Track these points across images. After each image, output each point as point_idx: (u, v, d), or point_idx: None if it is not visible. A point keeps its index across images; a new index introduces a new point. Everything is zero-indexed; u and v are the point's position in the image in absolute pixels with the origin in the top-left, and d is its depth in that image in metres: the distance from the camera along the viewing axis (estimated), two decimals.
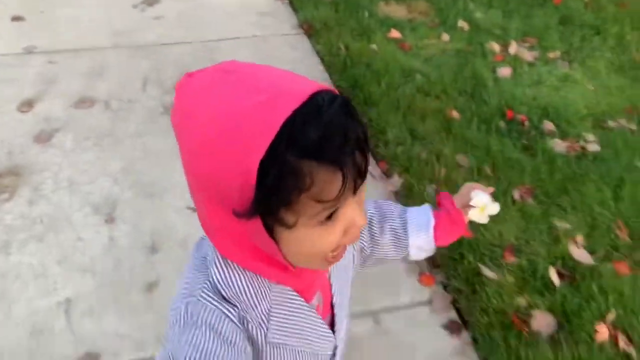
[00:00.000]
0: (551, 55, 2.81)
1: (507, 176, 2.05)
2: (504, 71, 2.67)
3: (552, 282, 1.65)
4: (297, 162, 0.52)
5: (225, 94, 0.55)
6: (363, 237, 0.84)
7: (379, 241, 0.85)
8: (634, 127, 2.38)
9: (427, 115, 2.36)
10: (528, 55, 2.79)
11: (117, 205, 1.91)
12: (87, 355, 1.48)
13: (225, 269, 0.64)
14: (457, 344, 1.57)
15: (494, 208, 0.82)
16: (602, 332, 1.51)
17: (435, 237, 0.84)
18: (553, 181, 2.05)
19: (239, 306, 0.64)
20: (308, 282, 0.70)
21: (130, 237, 1.81)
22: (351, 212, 0.59)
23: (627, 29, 3.02)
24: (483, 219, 0.83)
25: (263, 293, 0.66)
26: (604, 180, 2.06)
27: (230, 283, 0.64)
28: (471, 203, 0.82)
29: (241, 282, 0.65)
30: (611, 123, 2.39)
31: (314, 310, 0.72)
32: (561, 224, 1.86)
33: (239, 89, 0.55)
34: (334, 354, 0.79)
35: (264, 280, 0.66)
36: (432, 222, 0.84)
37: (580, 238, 1.81)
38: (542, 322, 1.56)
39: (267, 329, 0.67)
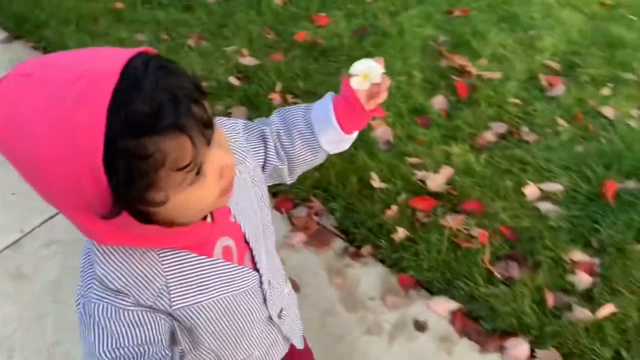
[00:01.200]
0: None
1: (179, 33, 2.51)
2: None
3: (233, 85, 2.22)
4: (138, 144, 0.49)
5: (37, 102, 0.50)
6: (271, 155, 0.81)
7: (293, 152, 0.82)
8: None
9: (98, 17, 2.64)
10: None
11: None
12: None
13: (107, 262, 0.63)
14: None
15: (376, 73, 0.78)
16: (275, 97, 2.15)
17: (343, 126, 0.80)
18: (213, 23, 2.57)
19: (130, 293, 0.63)
20: (200, 237, 0.68)
21: None
22: (215, 159, 0.57)
23: None
24: (365, 85, 0.78)
25: (153, 269, 0.64)
26: (250, 6, 2.65)
27: (115, 274, 0.63)
28: (350, 72, 0.78)
29: (127, 268, 0.63)
30: None
31: (217, 259, 0.70)
32: (229, 48, 2.42)
33: (48, 92, 0.50)
34: (262, 282, 0.78)
35: (151, 256, 0.64)
36: (332, 113, 0.79)
37: (245, 50, 2.40)
38: (238, 113, 2.13)
39: (169, 300, 0.66)
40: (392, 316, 1.52)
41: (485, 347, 1.46)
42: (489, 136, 1.97)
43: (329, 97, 0.82)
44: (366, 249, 1.68)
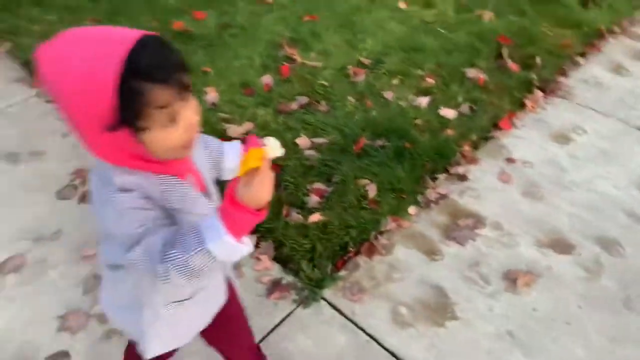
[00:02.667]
0: None
1: (79, 17, 3.08)
2: None
3: None
4: (139, 85, 0.76)
5: (79, 49, 0.77)
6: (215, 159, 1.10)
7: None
8: None
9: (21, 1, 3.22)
10: None
11: None
12: None
13: (122, 174, 0.87)
14: None
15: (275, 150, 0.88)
16: None
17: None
18: (111, 11, 3.15)
19: (140, 190, 0.87)
20: (178, 169, 0.93)
21: None
22: (186, 116, 0.84)
23: None
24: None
25: (152, 184, 0.90)
26: (147, 1, 3.23)
27: (129, 181, 0.87)
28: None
29: (135, 179, 0.88)
30: None
31: (190, 185, 0.96)
32: None
33: (88, 45, 0.78)
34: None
35: (148, 176, 0.89)
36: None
37: None
38: None
39: (163, 201, 0.91)
40: None
41: None
42: (293, 105, 2.52)
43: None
44: None
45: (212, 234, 0.84)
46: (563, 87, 2.65)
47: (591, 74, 2.75)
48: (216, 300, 1.18)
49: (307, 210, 2.03)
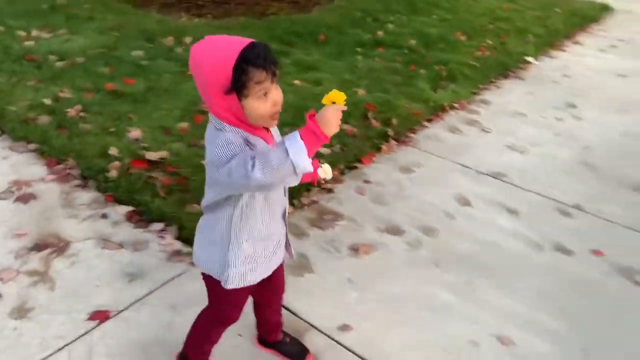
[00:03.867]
0: None
1: None
2: None
3: None
4: (247, 67, 1.22)
5: (215, 47, 1.26)
6: None
7: None
8: None
9: None
10: None
11: None
12: None
13: (229, 128, 1.29)
14: None
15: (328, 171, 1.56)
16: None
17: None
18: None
19: (239, 134, 1.28)
20: (265, 135, 1.36)
21: None
22: (274, 94, 1.29)
23: None
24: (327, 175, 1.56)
25: (247, 138, 1.30)
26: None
27: (231, 128, 1.29)
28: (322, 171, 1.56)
29: (237, 131, 1.29)
30: None
31: (271, 146, 1.36)
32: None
33: (220, 43, 1.26)
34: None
35: (246, 134, 1.30)
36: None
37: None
38: None
39: (251, 147, 1.29)
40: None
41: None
42: (203, 141, 3.17)
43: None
44: None
45: (290, 139, 1.20)
46: (411, 139, 3.50)
47: (433, 132, 3.64)
48: (278, 256, 1.56)
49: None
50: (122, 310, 2.02)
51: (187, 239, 2.41)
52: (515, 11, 6.54)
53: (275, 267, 1.56)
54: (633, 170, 3.27)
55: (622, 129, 3.82)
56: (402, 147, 3.41)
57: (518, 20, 6.13)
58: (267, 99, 1.27)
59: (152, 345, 1.89)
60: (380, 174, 3.09)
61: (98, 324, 1.95)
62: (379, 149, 3.32)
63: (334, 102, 1.21)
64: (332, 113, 1.19)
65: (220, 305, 1.59)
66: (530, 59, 5.07)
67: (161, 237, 2.42)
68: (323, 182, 1.46)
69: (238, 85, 1.23)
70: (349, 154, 3.21)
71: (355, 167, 3.13)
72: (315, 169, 1.53)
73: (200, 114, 3.47)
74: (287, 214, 1.53)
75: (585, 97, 4.31)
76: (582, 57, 5.31)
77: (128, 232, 2.45)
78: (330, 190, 2.88)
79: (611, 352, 2.01)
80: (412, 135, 3.56)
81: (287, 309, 2.06)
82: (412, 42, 5.15)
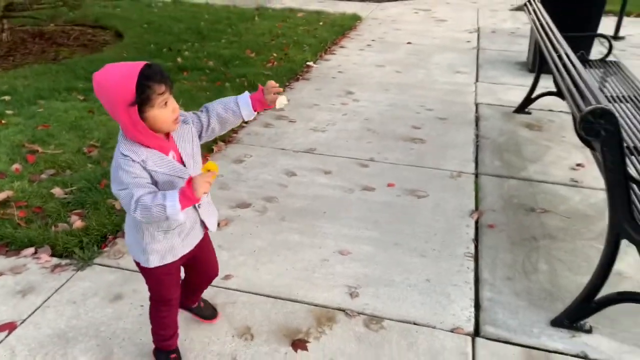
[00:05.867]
0: None
1: None
2: None
3: None
4: (148, 82, 1.44)
5: (116, 70, 1.45)
6: (196, 126, 1.71)
7: (226, 118, 1.75)
8: None
9: None
10: None
11: None
12: None
13: (126, 145, 1.52)
14: None
15: (283, 101, 1.74)
16: None
17: (254, 108, 1.73)
18: None
19: (133, 157, 1.50)
20: (163, 146, 1.57)
21: None
22: (171, 103, 1.53)
23: None
24: (282, 104, 1.74)
25: (142, 153, 1.52)
26: None
27: (130, 150, 1.51)
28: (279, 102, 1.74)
29: (135, 149, 1.51)
30: None
31: (170, 157, 1.59)
32: None
33: (119, 68, 1.46)
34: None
35: (141, 149, 1.52)
36: (250, 103, 1.72)
37: None
38: None
39: (147, 165, 1.52)
40: None
41: None
42: (42, 176, 3.32)
43: (247, 94, 1.76)
44: None
45: (171, 198, 1.49)
46: (235, 138, 4.12)
47: (252, 129, 4.31)
48: (194, 235, 1.79)
49: (70, 224, 2.83)
50: (26, 318, 2.22)
51: (61, 254, 2.64)
52: (289, 28, 7.65)
53: (193, 244, 1.81)
54: (400, 128, 4.38)
55: (387, 102, 4.99)
56: (230, 145, 4.00)
57: (293, 35, 7.21)
58: (167, 107, 1.53)
59: (69, 331, 2.16)
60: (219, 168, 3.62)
61: (9, 333, 2.13)
62: (211, 150, 3.86)
63: (208, 170, 1.55)
64: (202, 179, 1.51)
65: (154, 286, 1.85)
66: (310, 63, 6.11)
67: (37, 258, 2.60)
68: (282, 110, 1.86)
69: (143, 98, 1.47)
70: None
71: None
72: (262, 100, 1.76)
73: (31, 153, 3.57)
74: (200, 201, 1.74)
75: (358, 85, 5.45)
76: (348, 56, 6.56)
77: (2, 263, 2.57)
78: None
79: (410, 239, 2.88)
80: (235, 134, 4.16)
81: None
82: (211, 63, 5.79)
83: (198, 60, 5.89)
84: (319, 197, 3.29)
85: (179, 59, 5.89)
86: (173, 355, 2.00)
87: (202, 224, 1.82)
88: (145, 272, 1.78)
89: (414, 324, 2.24)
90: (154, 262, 1.72)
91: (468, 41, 7.25)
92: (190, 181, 1.51)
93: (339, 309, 2.32)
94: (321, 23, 8.02)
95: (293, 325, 2.22)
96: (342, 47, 7.02)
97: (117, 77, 1.45)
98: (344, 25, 8.02)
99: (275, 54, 6.25)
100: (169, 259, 1.75)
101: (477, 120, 4.55)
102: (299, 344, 2.12)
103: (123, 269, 2.55)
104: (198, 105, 4.81)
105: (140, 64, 1.47)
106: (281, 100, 1.75)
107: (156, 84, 1.47)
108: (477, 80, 5.64)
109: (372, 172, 3.63)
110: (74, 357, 2.05)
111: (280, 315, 2.27)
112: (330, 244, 2.81)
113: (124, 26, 7.42)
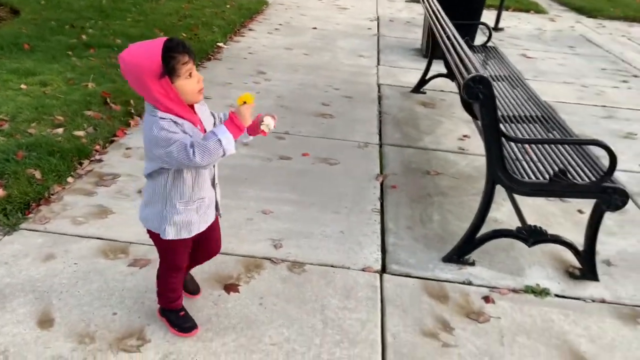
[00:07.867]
0: None
1: None
2: None
3: None
4: (172, 54, 1.52)
5: (140, 47, 1.52)
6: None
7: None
8: None
9: None
10: None
11: None
12: None
13: (161, 114, 1.56)
14: None
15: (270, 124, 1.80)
16: None
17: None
18: None
19: (174, 119, 1.57)
20: (193, 117, 1.64)
21: None
22: (196, 74, 1.59)
23: None
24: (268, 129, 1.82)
25: (179, 120, 1.58)
26: None
27: (165, 115, 1.56)
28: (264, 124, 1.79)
29: (168, 117, 1.57)
30: None
31: (198, 129, 1.67)
32: None
33: (144, 45, 1.53)
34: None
35: (176, 118, 1.58)
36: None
37: None
38: None
39: (185, 129, 1.60)
40: None
41: None
42: None
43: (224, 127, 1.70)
44: None
45: (220, 130, 1.61)
46: None
47: None
48: (210, 213, 1.89)
49: None
50: None
51: None
52: (196, 9, 7.67)
53: (208, 222, 1.90)
54: (309, 104, 4.70)
55: (297, 81, 5.29)
56: None
57: (201, 17, 7.26)
58: (192, 77, 1.61)
59: (4, 288, 2.24)
60: (137, 140, 3.71)
61: None
62: (128, 124, 3.91)
63: (245, 102, 1.65)
64: (245, 110, 1.66)
65: (169, 255, 1.93)
66: (221, 44, 6.23)
67: None
68: (269, 132, 1.88)
69: (169, 68, 1.54)
70: (102, 131, 3.71)
71: (114, 141, 3.67)
72: (257, 127, 1.86)
73: None
74: (216, 181, 1.89)
75: (269, 66, 5.69)
76: (257, 39, 6.76)
77: None
78: (100, 160, 3.38)
79: (325, 200, 3.20)
80: None
81: (105, 239, 2.62)
82: (119, 41, 5.71)
83: (105, 37, 5.78)
84: (242, 166, 3.51)
85: (83, 36, 5.74)
86: (182, 313, 2.11)
87: (216, 206, 1.95)
88: (163, 243, 1.86)
89: (331, 266, 2.58)
90: (170, 234, 1.79)
91: (369, 28, 7.75)
92: (233, 113, 1.66)
93: (265, 258, 2.59)
94: (228, 6, 8.11)
95: (225, 273, 2.46)
96: (250, 29, 7.20)
97: (143, 52, 1.53)
98: (251, 9, 8.18)
99: (184, 34, 6.29)
100: (185, 235, 1.83)
101: (379, 98, 5.00)
102: (231, 287, 2.37)
103: (52, 232, 2.62)
104: (111, 81, 4.90)
105: (162, 39, 1.56)
106: (268, 123, 1.84)
107: (179, 55, 1.56)
108: (378, 63, 6.11)
109: (287, 144, 3.91)
110: (13, 309, 2.13)
111: (213, 266, 2.48)
112: (253, 205, 3.06)
113: (20, 2, 7.01)
